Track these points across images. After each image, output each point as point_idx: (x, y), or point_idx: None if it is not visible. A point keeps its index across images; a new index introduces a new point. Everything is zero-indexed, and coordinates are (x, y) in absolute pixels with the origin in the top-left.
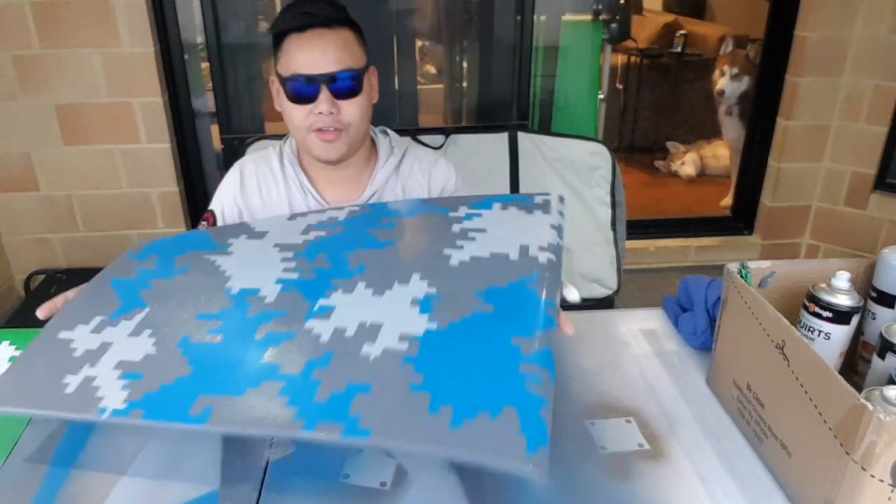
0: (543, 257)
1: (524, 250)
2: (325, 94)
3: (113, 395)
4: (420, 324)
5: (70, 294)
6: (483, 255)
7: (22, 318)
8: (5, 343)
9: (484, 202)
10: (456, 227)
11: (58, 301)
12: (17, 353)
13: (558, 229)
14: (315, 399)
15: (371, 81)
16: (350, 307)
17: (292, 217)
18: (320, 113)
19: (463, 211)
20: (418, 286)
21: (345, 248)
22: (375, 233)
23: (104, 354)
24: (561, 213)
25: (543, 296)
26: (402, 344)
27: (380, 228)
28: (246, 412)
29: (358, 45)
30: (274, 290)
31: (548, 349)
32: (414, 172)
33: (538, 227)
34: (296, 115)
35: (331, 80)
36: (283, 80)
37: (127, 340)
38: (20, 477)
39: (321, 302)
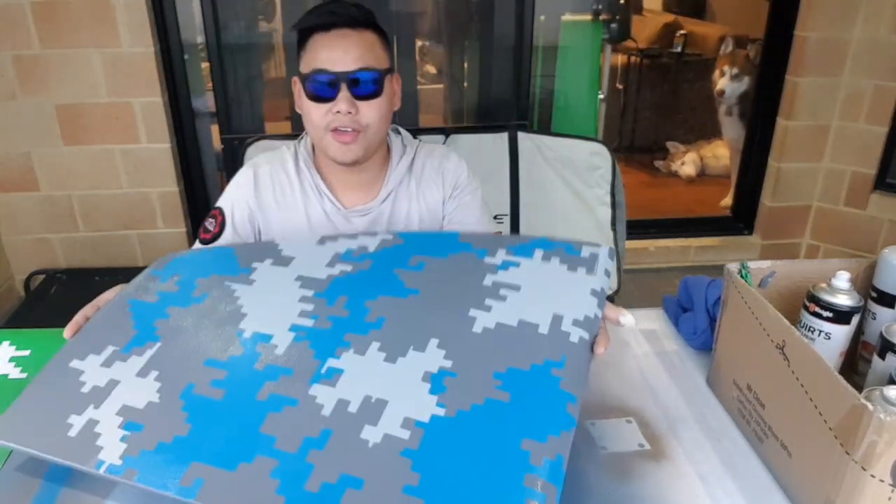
0: (576, 335)
1: (556, 322)
2: (344, 94)
3: (112, 446)
4: (428, 407)
5: (89, 312)
6: (510, 322)
7: (22, 318)
8: (5, 343)
9: (527, 247)
10: (489, 280)
11: (79, 319)
12: (18, 353)
13: (599, 297)
14: (305, 486)
15: (393, 87)
16: (358, 374)
17: (322, 241)
18: (338, 112)
19: (500, 257)
20: (434, 356)
21: (367, 294)
22: (402, 275)
23: (110, 395)
24: (607, 273)
25: (566, 388)
26: (405, 432)
27: (408, 270)
28: (236, 492)
29: (382, 48)
30: (286, 338)
31: (559, 459)
32: (427, 170)
33: (578, 291)
34: (314, 113)
35: (351, 79)
36: (304, 78)
37: (134, 381)
38: (20, 478)
39: (330, 362)
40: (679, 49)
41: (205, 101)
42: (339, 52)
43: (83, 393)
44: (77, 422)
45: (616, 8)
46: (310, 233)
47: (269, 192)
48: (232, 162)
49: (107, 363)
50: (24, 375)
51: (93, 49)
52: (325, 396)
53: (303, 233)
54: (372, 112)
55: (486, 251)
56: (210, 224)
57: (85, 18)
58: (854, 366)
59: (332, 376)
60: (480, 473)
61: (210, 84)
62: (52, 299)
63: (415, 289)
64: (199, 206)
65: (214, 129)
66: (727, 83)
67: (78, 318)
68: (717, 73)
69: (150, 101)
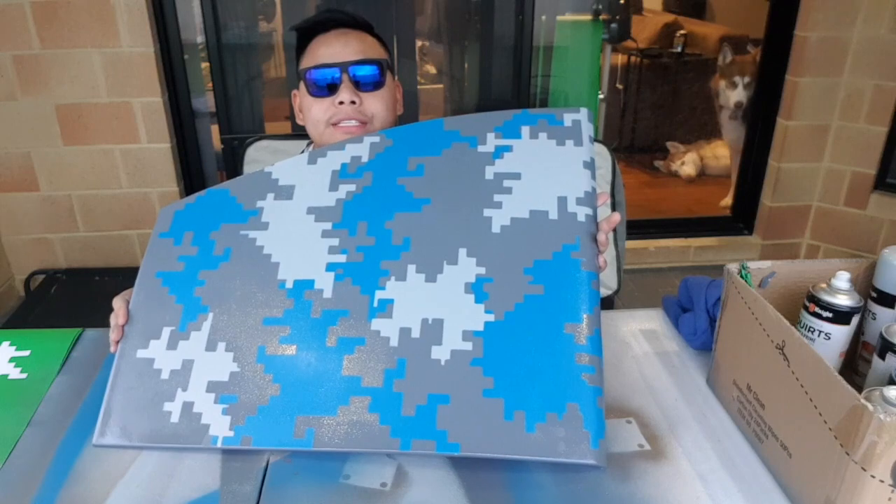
0: (582, 214)
1: (562, 205)
2: (346, 84)
3: (217, 421)
4: (479, 316)
5: (119, 309)
6: (523, 215)
7: (22, 318)
8: (5, 343)
9: (512, 126)
10: (489, 173)
11: (118, 309)
12: (18, 353)
13: (591, 167)
14: (402, 413)
15: (395, 89)
16: (408, 299)
17: (312, 160)
18: (341, 103)
19: (492, 143)
20: (468, 266)
21: (383, 214)
22: (407, 185)
23: (191, 375)
24: (591, 139)
25: (587, 268)
26: (467, 343)
27: (410, 177)
28: (346, 432)
29: (380, 48)
30: (328, 279)
31: (596, 332)
32: None
33: (572, 167)
34: (316, 109)
35: (352, 69)
36: (304, 74)
37: (206, 356)
38: (20, 477)
39: (379, 295)
40: (679, 49)
41: (205, 101)
42: (338, 47)
43: (165, 380)
44: (173, 408)
45: (616, 8)
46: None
47: None
48: (232, 162)
49: (171, 345)
50: (24, 376)
51: (93, 49)
52: (387, 329)
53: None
54: (376, 102)
55: (475, 138)
56: None
57: (85, 18)
58: (854, 366)
59: (386, 308)
60: (539, 364)
61: (210, 84)
62: (52, 299)
63: (425, 198)
64: None
65: (214, 129)
66: (742, 93)
67: (117, 308)
68: (723, 83)
69: (150, 101)
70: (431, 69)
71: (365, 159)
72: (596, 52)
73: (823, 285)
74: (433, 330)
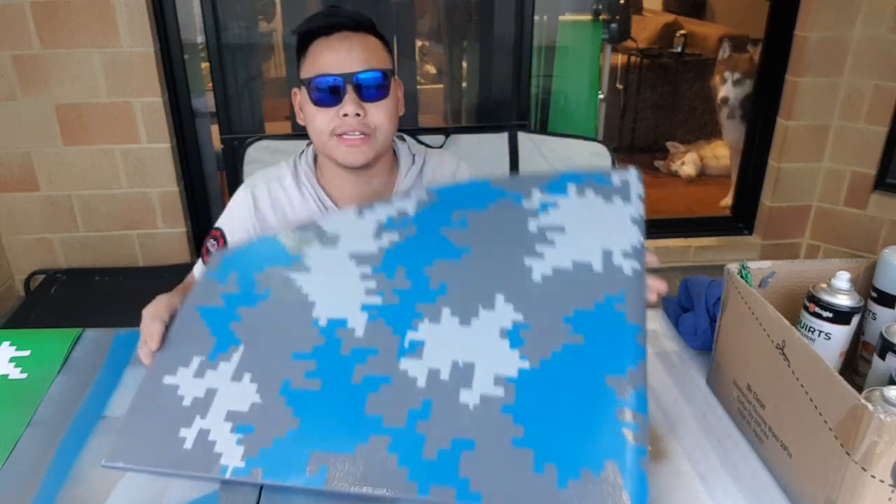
0: (628, 267)
1: (608, 257)
2: (350, 95)
3: (230, 450)
4: (513, 362)
5: (152, 324)
6: (565, 266)
7: (22, 318)
8: (5, 343)
9: (559, 184)
10: (533, 225)
11: (153, 333)
12: (18, 353)
13: (640, 224)
14: (423, 456)
15: (397, 92)
16: (440, 341)
17: (360, 212)
18: (346, 115)
19: (537, 199)
20: (504, 311)
21: (422, 260)
22: (450, 235)
23: (212, 404)
24: (640, 197)
25: (632, 321)
26: (499, 389)
27: (453, 228)
28: (361, 472)
29: (384, 51)
30: (361, 319)
31: (641, 389)
32: (437, 178)
33: (619, 222)
34: (319, 119)
35: (357, 80)
36: (307, 82)
37: (230, 386)
38: (20, 477)
39: (410, 336)
40: (679, 49)
41: (205, 101)
42: (342, 54)
43: (185, 406)
44: (188, 434)
45: (616, 8)
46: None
47: (269, 211)
48: (232, 162)
49: (199, 373)
50: (24, 376)
51: (93, 49)
52: (415, 369)
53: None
54: (380, 113)
55: (520, 195)
56: (212, 245)
57: (85, 18)
58: (854, 366)
59: (416, 349)
60: (576, 415)
61: (210, 84)
62: (52, 299)
63: (466, 247)
64: (199, 206)
65: (214, 129)
66: (730, 89)
67: (152, 332)
68: (717, 78)
69: (150, 101)
70: (431, 69)
71: (411, 213)
72: (596, 52)
73: (823, 285)
74: (464, 373)
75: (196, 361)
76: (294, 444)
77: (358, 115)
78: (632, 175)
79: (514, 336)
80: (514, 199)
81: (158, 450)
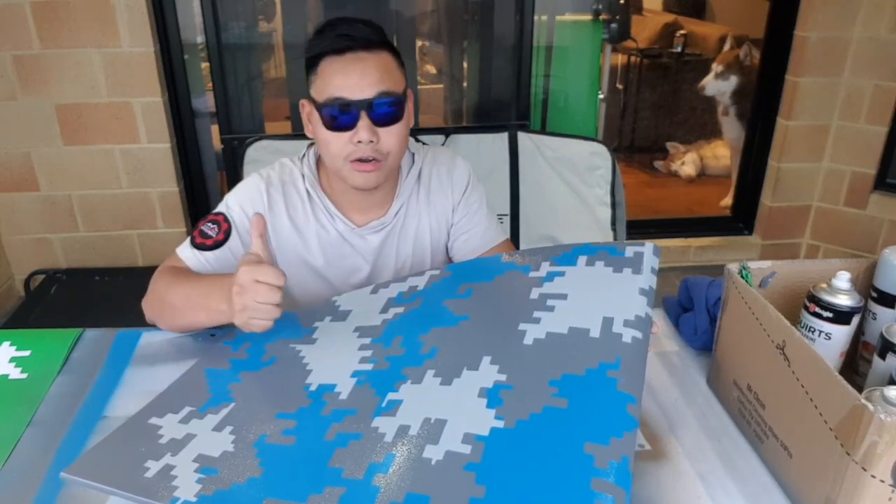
0: (628, 335)
1: (607, 325)
2: (364, 122)
3: (187, 486)
4: (486, 421)
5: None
6: (561, 330)
7: (22, 318)
8: (5, 343)
9: (570, 256)
10: (535, 293)
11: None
12: (18, 353)
13: (648, 295)
14: None
15: (409, 107)
16: (417, 401)
17: (375, 290)
18: (359, 142)
19: (545, 269)
20: (488, 373)
21: (420, 329)
22: (451, 305)
23: (186, 446)
24: (653, 270)
25: (624, 389)
26: (466, 447)
27: (456, 299)
28: None
29: (398, 69)
30: (349, 384)
31: (625, 461)
32: (434, 178)
33: (626, 292)
34: (333, 144)
35: (371, 106)
36: (320, 106)
37: (210, 435)
38: (20, 477)
39: (390, 396)
40: (679, 49)
41: (205, 101)
42: (355, 78)
43: (161, 444)
44: (154, 466)
45: (616, 8)
46: (322, 256)
47: (283, 210)
48: (232, 162)
49: (184, 420)
50: (24, 376)
51: (93, 49)
52: (386, 426)
53: (315, 256)
54: (392, 139)
55: (529, 267)
56: (211, 230)
57: (85, 18)
58: (854, 366)
59: (392, 408)
60: (546, 480)
61: (210, 84)
62: (52, 299)
63: (464, 315)
64: (199, 205)
65: (214, 129)
66: (710, 81)
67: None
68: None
69: (150, 101)
70: (431, 69)
71: (421, 287)
72: (596, 52)
73: (824, 285)
74: (433, 429)
75: (186, 410)
76: (250, 489)
77: (371, 141)
78: (647, 248)
79: (492, 395)
80: (522, 270)
81: (120, 473)
